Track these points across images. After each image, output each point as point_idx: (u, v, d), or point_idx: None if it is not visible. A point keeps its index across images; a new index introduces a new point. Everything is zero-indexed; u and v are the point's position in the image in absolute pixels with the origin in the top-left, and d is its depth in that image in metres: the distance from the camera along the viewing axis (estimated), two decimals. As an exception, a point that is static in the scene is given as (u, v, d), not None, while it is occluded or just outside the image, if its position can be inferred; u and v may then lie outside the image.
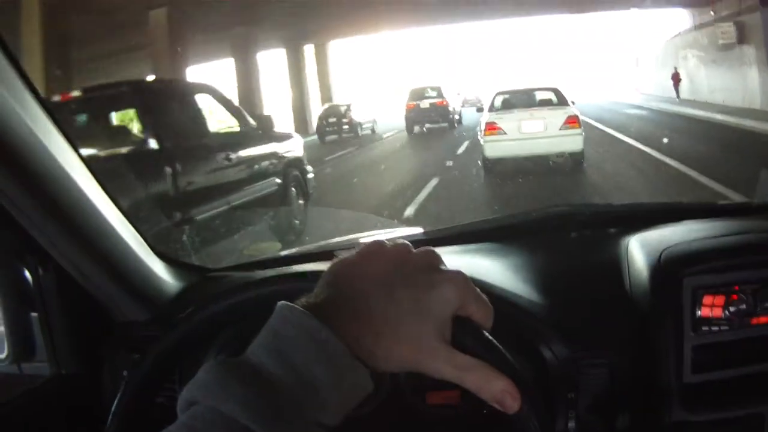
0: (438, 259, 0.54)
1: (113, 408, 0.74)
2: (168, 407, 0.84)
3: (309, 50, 17.61)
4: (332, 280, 0.52)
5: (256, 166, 5.52)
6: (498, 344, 0.53)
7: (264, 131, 5.85)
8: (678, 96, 18.73)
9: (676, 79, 18.91)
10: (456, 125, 15.91)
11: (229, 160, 5.11)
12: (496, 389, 0.49)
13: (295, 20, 14.55)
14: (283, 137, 6.29)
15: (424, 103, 15.58)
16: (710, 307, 0.89)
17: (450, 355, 0.50)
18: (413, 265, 0.52)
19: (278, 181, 5.66)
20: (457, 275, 0.52)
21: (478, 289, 0.53)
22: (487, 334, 0.53)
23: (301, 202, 5.89)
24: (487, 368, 0.50)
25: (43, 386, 1.02)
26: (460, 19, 17.20)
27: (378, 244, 0.54)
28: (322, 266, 0.54)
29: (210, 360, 0.92)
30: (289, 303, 0.49)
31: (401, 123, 15.98)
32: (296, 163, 6.09)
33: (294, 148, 6.31)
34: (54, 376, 1.03)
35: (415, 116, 15.61)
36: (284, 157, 5.93)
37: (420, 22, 17.69)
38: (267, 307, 0.50)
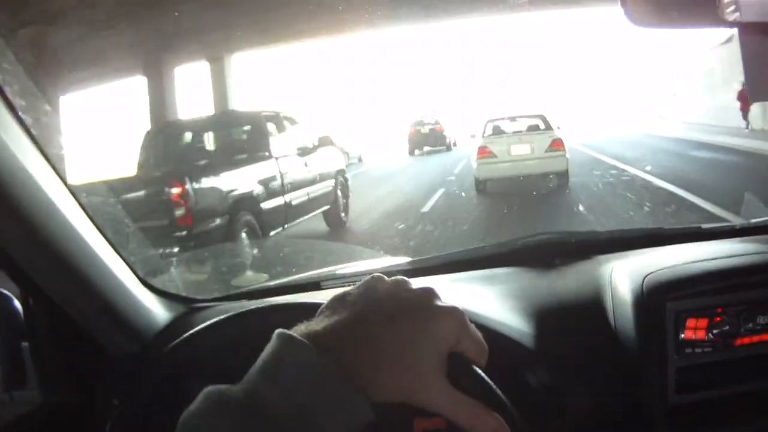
0: (436, 295, 0.55)
1: None
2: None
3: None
4: (332, 310, 0.53)
5: (321, 171, 7.63)
6: (491, 383, 0.54)
7: (323, 146, 7.95)
8: (748, 125, 13.14)
9: (744, 100, 12.52)
10: (451, 148, 18.23)
11: (306, 165, 7.28)
12: (489, 429, 0.50)
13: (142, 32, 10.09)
14: (333, 152, 8.33)
15: (425, 129, 18.14)
16: (693, 330, 0.91)
17: (446, 390, 0.51)
18: (412, 299, 0.53)
19: (332, 183, 7.83)
20: (455, 311, 0.53)
21: (473, 326, 0.54)
22: (480, 372, 0.54)
23: (343, 200, 8.10)
24: (480, 407, 0.51)
25: (34, 414, 1.01)
26: (433, 17, 12.44)
27: (377, 279, 0.56)
28: (311, 297, 0.55)
29: (201, 388, 0.93)
30: (286, 331, 0.50)
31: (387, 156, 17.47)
32: (341, 171, 8.31)
33: (340, 159, 8.53)
34: (45, 404, 1.02)
35: (416, 140, 18.06)
36: (335, 166, 8.14)
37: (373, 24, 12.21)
38: (261, 337, 0.51)
